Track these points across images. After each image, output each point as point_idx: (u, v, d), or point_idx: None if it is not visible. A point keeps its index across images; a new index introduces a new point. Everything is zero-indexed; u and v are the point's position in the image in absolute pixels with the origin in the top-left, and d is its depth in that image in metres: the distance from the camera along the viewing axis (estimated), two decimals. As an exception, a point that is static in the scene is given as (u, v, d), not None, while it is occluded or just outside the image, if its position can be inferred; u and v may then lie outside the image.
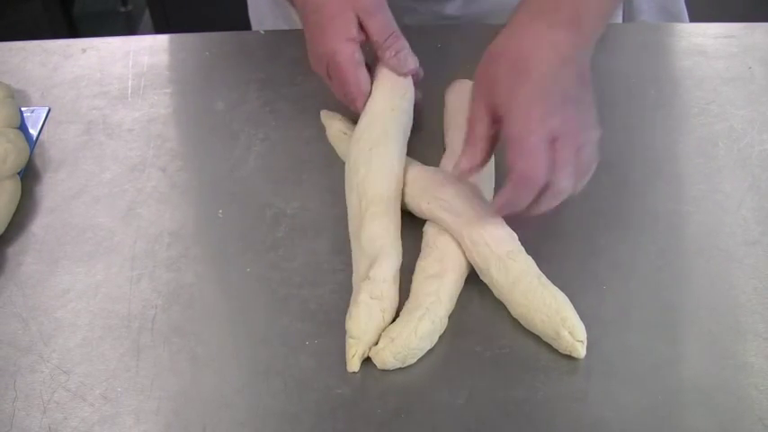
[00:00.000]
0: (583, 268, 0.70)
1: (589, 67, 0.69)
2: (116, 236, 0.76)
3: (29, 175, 0.82)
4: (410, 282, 0.69)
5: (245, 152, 0.83)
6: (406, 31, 0.81)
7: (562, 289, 0.66)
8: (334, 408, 0.63)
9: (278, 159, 0.82)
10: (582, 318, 0.64)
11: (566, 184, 0.66)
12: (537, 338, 0.66)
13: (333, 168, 0.80)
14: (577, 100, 0.67)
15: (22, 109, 0.86)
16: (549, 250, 0.70)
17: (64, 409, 0.64)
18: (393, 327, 0.65)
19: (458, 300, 0.68)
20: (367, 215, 0.70)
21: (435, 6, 0.97)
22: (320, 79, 0.81)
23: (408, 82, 0.80)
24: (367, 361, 0.65)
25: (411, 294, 0.68)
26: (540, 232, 0.73)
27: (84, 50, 0.95)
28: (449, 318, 0.67)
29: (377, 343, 0.65)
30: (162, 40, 0.97)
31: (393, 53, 0.79)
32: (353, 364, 0.64)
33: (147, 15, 2.16)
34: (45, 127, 0.87)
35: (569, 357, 0.64)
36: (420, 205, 0.72)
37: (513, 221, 0.70)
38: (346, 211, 0.74)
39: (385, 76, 0.80)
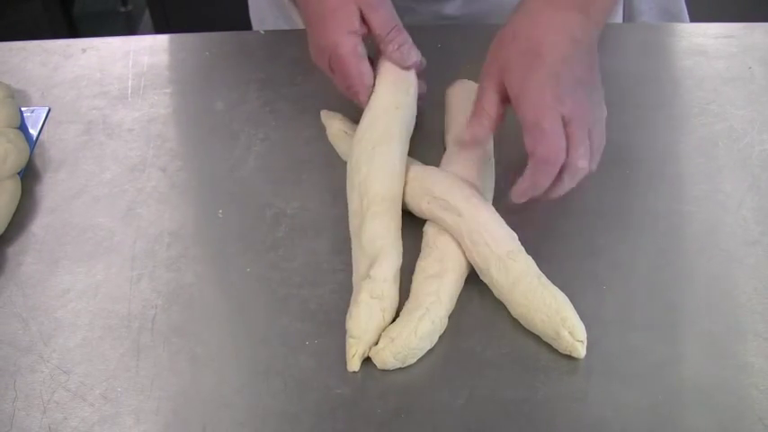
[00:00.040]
0: (583, 268, 0.70)
1: (596, 48, 0.71)
2: (116, 236, 0.76)
3: (29, 175, 0.82)
4: (410, 282, 0.69)
5: (244, 152, 0.83)
6: (406, 30, 0.80)
7: (562, 289, 0.66)
8: (334, 408, 0.63)
9: (278, 159, 0.82)
10: (582, 318, 0.64)
11: (582, 164, 0.68)
12: (537, 338, 0.66)
13: (333, 168, 0.80)
14: (587, 81, 0.69)
15: (22, 109, 0.86)
16: (549, 250, 0.71)
17: (64, 409, 0.64)
18: (393, 327, 0.65)
19: (458, 300, 0.68)
20: (368, 214, 0.70)
21: (435, 6, 0.97)
22: (320, 79, 0.81)
23: (412, 76, 0.80)
24: (367, 361, 0.65)
25: (411, 294, 0.68)
26: (540, 232, 0.73)
27: (84, 50, 0.95)
28: (449, 318, 0.67)
29: (377, 343, 0.65)
30: (162, 40, 0.97)
31: (396, 46, 0.79)
32: (354, 364, 0.64)
33: (147, 15, 2.16)
34: (45, 127, 0.87)
35: (569, 357, 0.64)
36: (420, 205, 0.72)
37: (514, 221, 0.70)
38: (346, 211, 0.74)
39: (388, 70, 0.80)
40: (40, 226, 0.77)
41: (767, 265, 0.70)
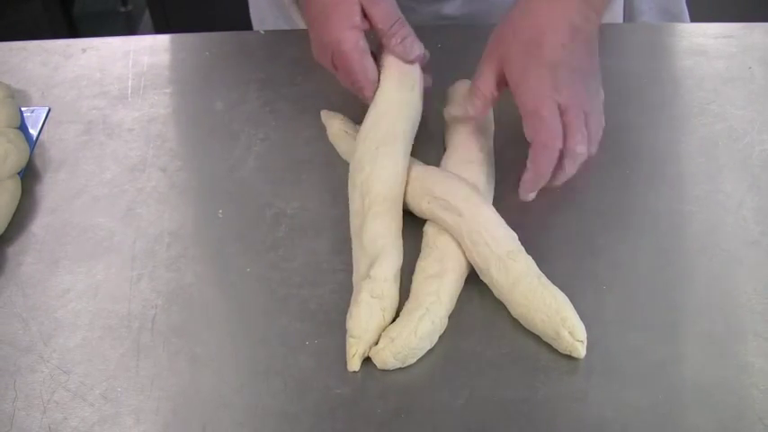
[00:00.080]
0: (583, 268, 0.70)
1: (597, 34, 0.73)
2: (116, 236, 0.76)
3: (29, 175, 0.82)
4: (410, 282, 0.69)
5: (244, 152, 0.83)
6: (407, 28, 0.81)
7: (562, 289, 0.66)
8: (334, 408, 0.63)
9: (278, 159, 0.82)
10: (582, 318, 0.64)
11: (581, 149, 0.70)
12: (537, 338, 0.66)
13: (333, 168, 0.80)
14: (585, 69, 0.72)
15: (22, 109, 0.86)
16: (549, 250, 0.70)
17: (64, 409, 0.64)
18: (393, 327, 0.65)
19: (458, 300, 0.68)
20: (369, 214, 0.70)
21: (434, 6, 0.97)
22: (320, 79, 0.81)
23: (416, 71, 0.80)
24: (367, 361, 0.65)
25: (411, 294, 0.67)
26: (540, 232, 0.73)
27: (84, 50, 0.95)
28: (449, 318, 0.66)
29: (377, 342, 0.65)
30: (162, 40, 0.97)
31: (399, 40, 0.79)
32: (354, 364, 0.64)
33: (147, 15, 2.16)
34: (45, 127, 0.87)
35: (569, 357, 0.64)
36: (420, 205, 0.72)
37: (514, 221, 0.70)
38: (346, 211, 0.73)
39: (392, 65, 0.79)
40: (40, 226, 0.77)
41: (767, 265, 0.70)
